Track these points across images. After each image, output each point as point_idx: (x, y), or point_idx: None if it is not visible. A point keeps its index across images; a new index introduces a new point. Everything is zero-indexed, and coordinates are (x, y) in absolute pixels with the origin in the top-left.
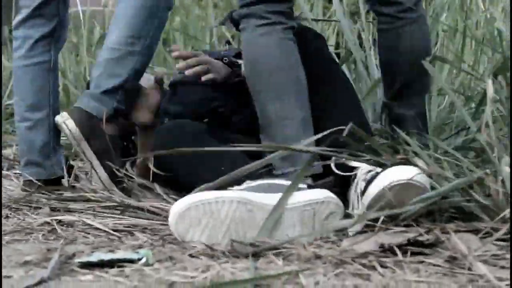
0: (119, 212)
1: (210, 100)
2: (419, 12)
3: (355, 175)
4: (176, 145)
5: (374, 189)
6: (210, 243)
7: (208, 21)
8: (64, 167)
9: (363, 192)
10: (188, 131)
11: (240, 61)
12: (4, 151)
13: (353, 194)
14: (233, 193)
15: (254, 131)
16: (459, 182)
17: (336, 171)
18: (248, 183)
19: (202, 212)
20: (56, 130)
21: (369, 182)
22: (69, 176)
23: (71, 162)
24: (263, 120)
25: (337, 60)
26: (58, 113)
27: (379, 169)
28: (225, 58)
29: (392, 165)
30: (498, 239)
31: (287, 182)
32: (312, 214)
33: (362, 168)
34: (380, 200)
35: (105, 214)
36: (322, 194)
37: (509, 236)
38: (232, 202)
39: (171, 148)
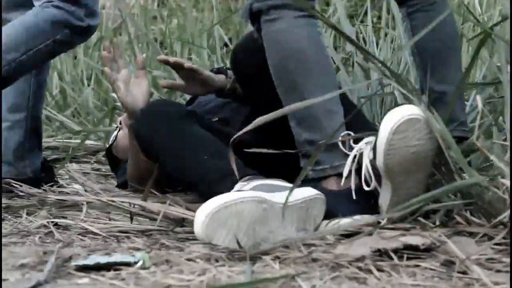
0: (114, 215)
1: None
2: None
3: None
4: (158, 125)
5: (380, 145)
6: (233, 242)
7: (206, 24)
8: (39, 169)
9: (374, 158)
10: (172, 110)
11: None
12: None
13: (364, 167)
14: (252, 193)
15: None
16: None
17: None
18: (244, 184)
19: (229, 213)
20: (35, 133)
21: (374, 147)
22: (50, 178)
23: (68, 164)
24: (305, 117)
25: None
26: (38, 117)
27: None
28: (213, 69)
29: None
30: (494, 244)
31: (282, 183)
32: (306, 211)
33: (363, 141)
34: (393, 155)
35: (100, 217)
36: (311, 191)
37: (505, 240)
38: (253, 201)
39: (151, 127)
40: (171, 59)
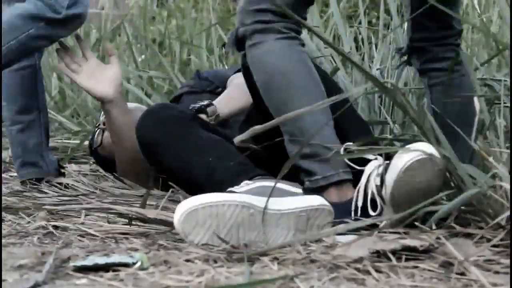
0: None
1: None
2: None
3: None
4: (162, 129)
5: (390, 177)
6: (212, 241)
7: (205, 25)
8: (57, 166)
9: (380, 186)
10: (176, 115)
11: (202, 103)
12: None
13: (369, 189)
14: (238, 197)
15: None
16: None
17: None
18: (247, 184)
19: (208, 214)
20: (46, 131)
21: (383, 174)
22: (63, 174)
23: (67, 165)
24: (295, 131)
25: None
26: (46, 113)
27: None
28: (191, 108)
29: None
30: (492, 245)
31: (286, 186)
32: (306, 220)
33: (372, 164)
34: (400, 187)
35: (99, 219)
36: (317, 200)
37: (504, 241)
38: (237, 206)
39: (155, 131)
40: None
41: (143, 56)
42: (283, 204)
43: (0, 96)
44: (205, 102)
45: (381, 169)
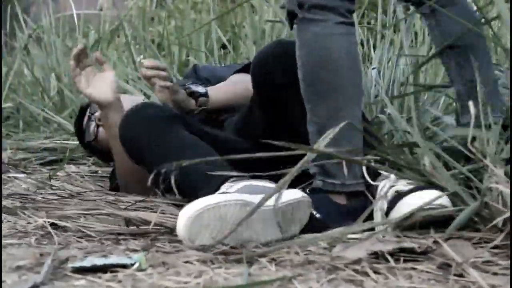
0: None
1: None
2: None
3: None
4: (143, 128)
5: (394, 215)
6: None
7: (204, 26)
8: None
9: (389, 209)
10: (158, 114)
11: (200, 90)
12: None
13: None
14: (236, 195)
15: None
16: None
17: (369, 180)
18: (231, 187)
19: (212, 215)
20: None
21: (393, 203)
22: None
23: (65, 166)
24: (325, 125)
25: None
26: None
27: (400, 187)
28: (187, 88)
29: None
30: (491, 247)
31: (267, 184)
32: (290, 213)
33: (383, 183)
34: (403, 224)
35: (98, 219)
36: (298, 193)
37: (503, 243)
38: (237, 204)
39: (138, 131)
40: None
41: (142, 57)
42: (271, 200)
43: (0, 98)
44: (202, 91)
45: (390, 195)
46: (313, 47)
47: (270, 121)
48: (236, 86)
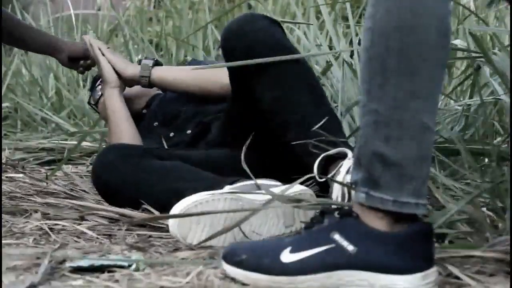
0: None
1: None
2: None
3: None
4: (113, 170)
5: None
6: (208, 241)
7: (201, 25)
8: None
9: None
10: (124, 154)
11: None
12: None
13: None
14: (226, 190)
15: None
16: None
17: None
18: (230, 187)
19: (200, 211)
20: None
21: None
22: None
23: (64, 166)
24: (396, 112)
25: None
26: None
27: None
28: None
29: None
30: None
31: (268, 182)
32: (292, 206)
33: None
34: None
35: (95, 220)
36: (297, 186)
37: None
38: (226, 199)
39: (108, 175)
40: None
41: (140, 57)
42: (268, 196)
43: (1, 97)
44: (150, 63)
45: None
46: (396, 4)
47: (248, 115)
48: (191, 70)
